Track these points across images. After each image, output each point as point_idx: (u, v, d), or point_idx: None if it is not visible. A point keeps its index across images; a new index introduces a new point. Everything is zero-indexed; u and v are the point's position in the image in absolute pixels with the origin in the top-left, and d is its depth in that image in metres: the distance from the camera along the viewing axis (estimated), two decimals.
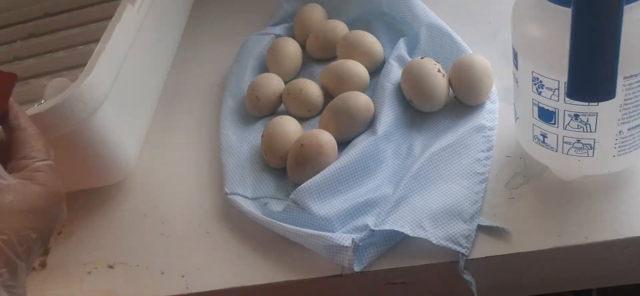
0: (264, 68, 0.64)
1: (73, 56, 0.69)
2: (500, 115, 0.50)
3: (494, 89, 0.52)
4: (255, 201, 0.50)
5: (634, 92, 0.35)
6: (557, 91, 0.37)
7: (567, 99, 0.36)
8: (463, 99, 0.51)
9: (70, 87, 0.48)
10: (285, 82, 0.60)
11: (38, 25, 0.78)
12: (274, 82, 0.59)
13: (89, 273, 0.50)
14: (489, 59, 0.52)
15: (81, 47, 0.70)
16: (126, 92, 0.56)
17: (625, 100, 0.35)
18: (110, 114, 0.52)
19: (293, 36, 0.67)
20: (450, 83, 0.52)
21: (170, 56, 0.72)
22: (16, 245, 0.29)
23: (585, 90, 0.32)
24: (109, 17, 0.72)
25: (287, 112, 0.57)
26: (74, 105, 0.47)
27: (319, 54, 0.64)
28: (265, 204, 0.49)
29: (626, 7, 0.32)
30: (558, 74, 0.35)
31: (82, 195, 0.56)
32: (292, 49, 0.63)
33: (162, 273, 0.48)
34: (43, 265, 0.52)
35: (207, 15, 0.80)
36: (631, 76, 0.34)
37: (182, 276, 0.47)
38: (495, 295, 0.44)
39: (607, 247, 0.39)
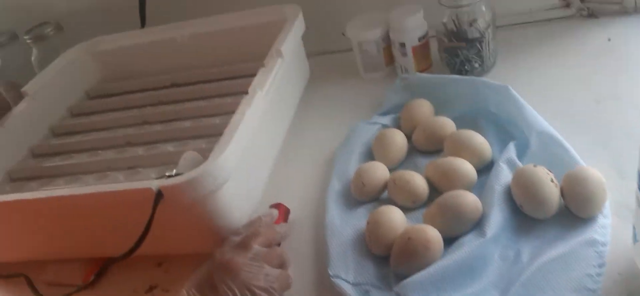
0: (370, 155, 0.68)
1: (198, 127, 0.76)
2: (613, 231, 0.50)
3: (607, 203, 0.51)
4: (357, 287, 0.52)
5: None
6: None
7: None
8: (575, 210, 0.51)
9: (206, 163, 0.54)
10: (390, 171, 0.63)
11: (166, 94, 0.88)
12: (379, 170, 0.62)
13: None
14: (600, 169, 0.52)
15: (205, 119, 0.78)
16: (248, 169, 0.62)
17: None
18: (233, 188, 0.57)
19: (399, 127, 0.71)
20: (562, 193, 0.52)
21: (284, 135, 0.78)
22: None
23: None
24: (230, 93, 0.81)
25: (390, 200, 0.60)
26: (206, 179, 0.53)
27: (425, 147, 0.67)
28: (367, 291, 0.51)
29: None
30: None
31: (192, 259, 0.61)
32: (398, 139, 0.66)
33: None
34: None
35: (317, 99, 0.87)
36: None
37: None
38: None
39: None
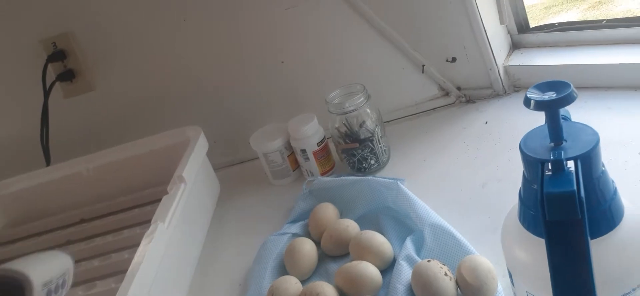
0: (282, 267, 0.69)
1: (107, 265, 0.74)
2: None
3: (499, 287, 0.55)
4: None
5: None
6: None
7: None
8: None
9: None
10: (303, 281, 0.64)
11: (75, 231, 0.85)
12: (292, 286, 0.63)
13: None
14: (493, 252, 0.56)
15: (114, 254, 0.76)
16: None
17: None
18: None
19: (308, 234, 0.72)
20: (457, 285, 0.55)
21: (196, 257, 0.77)
22: None
23: None
24: (139, 223, 0.79)
25: None
26: None
27: (333, 251, 0.69)
28: None
29: (596, 241, 0.36)
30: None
31: None
32: (307, 248, 0.68)
33: None
34: None
35: (231, 211, 0.87)
36: None
37: None
38: None
39: None
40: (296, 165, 0.89)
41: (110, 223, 0.83)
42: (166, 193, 0.72)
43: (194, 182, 0.77)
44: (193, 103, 0.98)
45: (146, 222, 0.72)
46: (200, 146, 0.83)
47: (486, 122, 0.86)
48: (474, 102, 0.92)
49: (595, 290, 0.34)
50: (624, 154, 0.67)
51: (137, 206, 0.85)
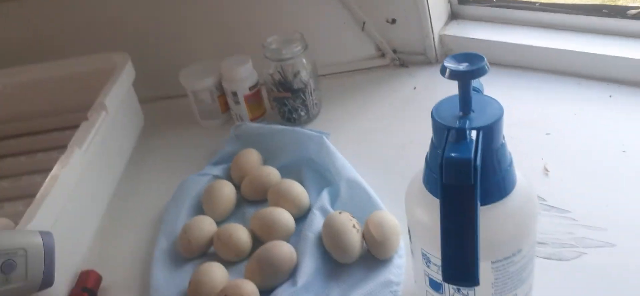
0: (199, 208, 0.69)
1: (16, 187, 0.71)
2: (407, 269, 0.56)
3: (402, 244, 0.58)
4: None
5: (502, 273, 0.42)
6: (441, 269, 0.42)
7: None
8: (374, 253, 0.57)
9: (11, 233, 0.51)
10: (219, 223, 0.65)
11: None
12: (206, 226, 0.63)
13: None
14: (402, 211, 0.58)
15: (25, 177, 0.73)
16: (65, 234, 0.59)
17: (495, 279, 0.42)
18: None
19: (229, 177, 0.72)
20: (364, 237, 0.58)
21: (111, 190, 0.76)
22: None
23: (455, 277, 0.38)
24: (55, 147, 0.76)
25: (216, 256, 0.61)
26: None
27: (252, 196, 0.69)
28: None
29: (488, 207, 0.39)
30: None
31: None
32: (226, 191, 0.68)
33: None
34: None
35: (154, 147, 0.85)
36: (497, 261, 0.41)
37: None
38: None
39: None
40: (226, 108, 0.88)
41: (24, 144, 0.80)
42: (86, 119, 0.69)
43: (116, 111, 0.75)
44: (123, 29, 0.94)
45: (62, 147, 0.70)
46: (127, 74, 0.80)
47: (415, 88, 0.88)
48: (407, 66, 0.94)
49: (479, 251, 0.37)
50: (531, 132, 0.71)
51: (54, 130, 0.82)
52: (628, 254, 0.53)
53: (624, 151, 0.65)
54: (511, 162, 0.41)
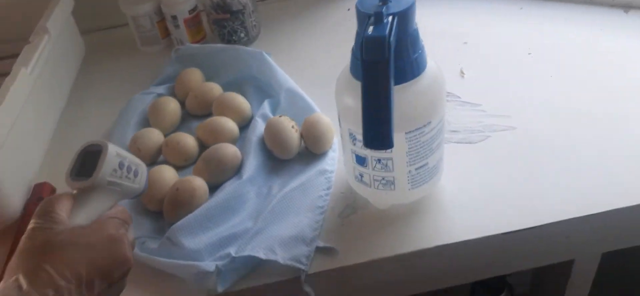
0: (146, 123, 0.72)
1: None
2: (340, 161, 0.63)
3: (335, 140, 0.64)
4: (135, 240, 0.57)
5: (415, 143, 0.49)
6: None
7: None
8: (311, 148, 0.63)
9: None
10: (165, 136, 0.69)
11: None
12: (154, 136, 0.67)
13: None
14: (333, 116, 0.65)
15: None
16: (16, 151, 0.61)
17: (409, 148, 0.49)
18: (1, 171, 0.57)
19: (174, 95, 0.76)
20: (302, 136, 0.64)
21: (58, 114, 0.78)
22: (64, 270, 0.36)
23: (374, 142, 0.45)
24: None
25: (166, 162, 0.66)
26: None
27: (197, 111, 0.74)
28: (143, 242, 0.56)
29: (402, 85, 0.46)
30: None
31: None
32: (172, 106, 0.72)
33: None
34: None
35: (95, 76, 0.87)
36: (410, 131, 0.48)
37: None
38: None
39: (407, 258, 0.52)
40: (166, 33, 0.90)
41: None
42: (28, 43, 0.70)
43: (57, 37, 0.76)
44: None
45: (4, 74, 0.71)
46: (66, 1, 0.81)
47: (348, 10, 0.93)
48: None
49: (392, 118, 0.43)
50: (451, 42, 0.78)
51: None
52: (525, 133, 0.61)
53: (529, 54, 0.74)
54: (423, 48, 0.48)
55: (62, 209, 0.40)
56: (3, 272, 0.46)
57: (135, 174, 0.46)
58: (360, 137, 0.49)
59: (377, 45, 0.42)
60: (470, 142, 0.61)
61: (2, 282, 0.37)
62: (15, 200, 0.61)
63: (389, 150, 0.49)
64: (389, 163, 0.50)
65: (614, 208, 0.52)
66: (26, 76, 0.65)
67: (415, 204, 0.55)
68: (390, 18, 0.44)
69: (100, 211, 0.43)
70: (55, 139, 0.75)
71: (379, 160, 0.50)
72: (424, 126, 0.48)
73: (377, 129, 0.44)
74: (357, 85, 0.47)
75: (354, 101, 0.49)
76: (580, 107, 0.64)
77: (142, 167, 0.48)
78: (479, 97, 0.67)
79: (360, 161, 0.52)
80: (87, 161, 0.43)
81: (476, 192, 0.56)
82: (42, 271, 0.36)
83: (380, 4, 0.46)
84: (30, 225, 0.39)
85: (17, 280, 0.36)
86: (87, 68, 0.89)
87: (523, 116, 0.64)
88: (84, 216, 0.42)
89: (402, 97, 0.46)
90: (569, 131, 0.61)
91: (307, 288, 0.51)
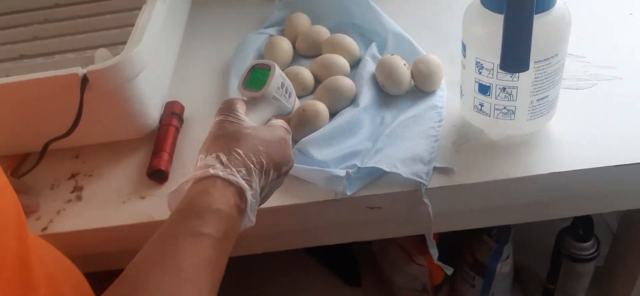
0: (262, 58, 0.78)
1: (94, 38, 0.79)
2: (448, 99, 0.67)
3: (443, 81, 0.68)
4: None
5: (541, 73, 0.52)
6: (492, 71, 0.53)
7: (498, 75, 0.52)
8: (421, 86, 0.67)
9: (125, 51, 0.59)
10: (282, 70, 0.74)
11: (51, 13, 0.87)
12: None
13: (124, 202, 0.60)
14: (441, 58, 0.69)
15: (99, 32, 0.80)
16: (157, 63, 0.68)
17: (535, 78, 0.53)
18: (147, 79, 0.64)
19: (284, 36, 0.81)
20: (412, 75, 0.68)
21: (179, 42, 0.84)
22: (251, 156, 0.44)
23: (512, 65, 0.49)
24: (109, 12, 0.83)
25: None
26: (127, 65, 0.59)
27: (306, 51, 0.79)
28: None
29: (537, 15, 0.49)
30: (493, 58, 0.52)
31: (110, 146, 0.67)
32: (285, 45, 0.77)
33: None
34: (79, 198, 0.62)
35: (203, 19, 0.93)
36: (539, 61, 0.51)
37: None
38: (444, 218, 0.59)
39: (520, 182, 0.55)
40: None
41: (82, 9, 0.86)
42: None
43: None
44: None
45: (136, 8, 0.77)
46: None
47: None
48: None
49: (531, 44, 0.47)
50: None
51: None
52: (633, 84, 0.64)
53: (631, 14, 0.76)
54: None
55: (241, 110, 0.48)
56: (152, 166, 0.53)
57: (289, 96, 0.54)
58: (487, 65, 0.53)
59: None
60: (578, 89, 0.64)
61: (201, 159, 0.44)
62: (154, 113, 0.67)
63: (516, 78, 0.52)
64: (514, 91, 0.54)
65: None
66: (162, 4, 0.72)
67: (528, 136, 0.59)
68: None
69: (264, 119, 0.51)
70: (178, 66, 0.81)
71: (504, 88, 0.54)
72: (552, 57, 0.52)
73: (516, 51, 0.48)
74: (490, 15, 0.51)
75: (484, 30, 0.53)
76: None
77: (293, 92, 0.55)
78: (583, 50, 0.70)
79: (484, 90, 0.55)
80: (255, 77, 0.51)
81: (585, 131, 0.59)
82: (235, 153, 0.44)
83: None
84: (218, 118, 0.47)
85: (218, 156, 0.43)
86: (194, 14, 0.95)
87: (629, 68, 0.66)
88: (253, 119, 0.49)
89: (536, 26, 0.50)
90: None
91: (426, 200, 0.55)
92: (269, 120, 0.51)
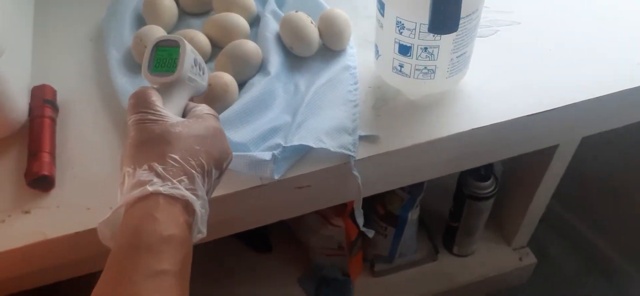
0: (141, 21, 0.68)
1: None
2: (359, 57, 0.64)
3: (351, 37, 0.66)
4: None
5: (462, 30, 0.52)
6: (414, 31, 0.52)
7: (420, 35, 0.51)
8: (330, 45, 0.64)
9: None
10: (168, 33, 0.66)
11: None
12: (160, 32, 0.64)
13: (3, 221, 0.50)
14: (346, 10, 0.66)
15: None
16: (10, 55, 0.55)
17: (457, 35, 0.52)
18: (3, 65, 0.52)
19: None
20: (320, 33, 0.64)
21: (31, 18, 0.70)
22: (189, 159, 0.38)
23: (442, 26, 0.47)
24: None
25: None
26: None
27: (194, 7, 0.71)
28: None
29: None
30: (416, 17, 0.50)
31: None
32: (167, 2, 0.68)
33: (88, 209, 0.51)
34: None
35: None
36: (462, 18, 0.51)
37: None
38: (369, 185, 0.58)
39: (443, 142, 0.56)
40: None
41: None
42: None
43: None
44: None
45: None
46: None
47: None
48: None
49: (461, 7, 0.46)
50: None
51: None
52: (530, 29, 0.67)
53: None
54: None
55: (159, 102, 0.41)
56: (32, 173, 0.45)
57: (204, 72, 0.47)
58: (409, 25, 0.52)
59: None
60: (481, 37, 0.66)
61: (129, 173, 0.37)
62: (21, 104, 0.56)
63: (438, 38, 0.51)
64: (435, 51, 0.53)
65: (611, 92, 0.59)
66: None
67: (444, 94, 0.59)
68: None
69: (181, 106, 0.44)
70: (36, 40, 0.68)
71: (426, 48, 0.53)
72: (473, 13, 0.51)
73: (447, 12, 0.46)
74: None
75: None
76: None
77: (206, 66, 0.48)
78: None
79: (404, 50, 0.54)
80: (160, 58, 0.44)
81: (494, 82, 0.61)
82: (170, 160, 0.37)
83: None
84: (135, 117, 0.39)
85: (151, 167, 0.36)
86: None
87: (525, 12, 0.69)
88: (170, 109, 0.42)
89: None
90: (564, 24, 0.68)
91: (355, 172, 0.54)
92: (186, 105, 0.45)
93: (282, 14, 0.66)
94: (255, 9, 0.69)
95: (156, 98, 0.41)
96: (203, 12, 0.71)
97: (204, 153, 0.39)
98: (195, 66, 0.45)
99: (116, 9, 0.68)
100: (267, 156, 0.51)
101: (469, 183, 0.81)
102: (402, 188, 0.81)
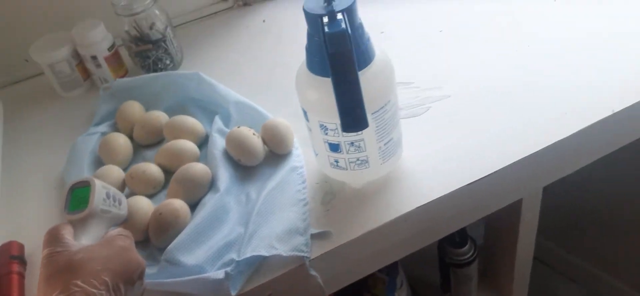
0: (99, 163, 0.75)
1: None
2: (304, 156, 0.70)
3: (295, 139, 0.72)
4: None
5: (380, 121, 0.58)
6: (336, 130, 0.58)
7: (342, 134, 0.57)
8: (275, 150, 0.70)
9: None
10: (124, 170, 0.72)
11: None
12: (115, 172, 0.70)
13: None
14: (287, 117, 0.72)
15: None
16: None
17: (377, 127, 0.58)
18: None
19: (117, 131, 0.79)
20: (264, 142, 0.70)
21: None
22: (91, 280, 0.42)
23: (352, 126, 0.53)
24: None
25: (133, 195, 0.69)
26: None
27: (146, 140, 0.77)
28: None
29: (361, 72, 0.54)
30: (335, 119, 0.56)
31: None
32: (121, 140, 0.75)
33: None
34: None
35: (21, 131, 0.86)
36: (375, 112, 0.57)
37: None
38: (336, 282, 0.62)
39: (393, 224, 0.61)
40: (87, 75, 0.92)
41: None
42: None
43: None
44: None
45: None
46: None
47: (263, 21, 1.01)
48: (250, 5, 1.07)
49: (363, 102, 0.52)
50: (372, 32, 0.89)
51: None
52: (459, 99, 0.74)
53: (440, 31, 0.87)
54: (369, 37, 0.57)
55: (68, 235, 0.47)
56: None
57: (119, 203, 0.56)
58: (331, 127, 0.58)
59: (340, 39, 0.49)
60: (415, 116, 0.73)
61: None
62: None
63: (360, 132, 0.58)
64: (361, 143, 0.59)
65: (549, 144, 0.65)
66: None
67: (386, 178, 0.65)
68: (340, 14, 0.52)
69: (99, 236, 0.51)
70: (1, 195, 0.74)
71: (352, 143, 0.59)
72: (386, 104, 0.58)
73: (352, 114, 0.52)
74: (318, 80, 0.56)
75: (318, 95, 0.57)
76: (496, 66, 0.78)
77: (123, 196, 0.57)
78: (409, 76, 0.79)
79: (334, 148, 0.60)
80: (76, 197, 0.52)
81: (436, 156, 0.66)
82: (74, 287, 0.42)
83: (326, 4, 0.53)
84: (45, 253, 0.46)
85: None
86: (11, 124, 0.88)
87: (452, 84, 0.76)
88: (88, 240, 0.49)
89: (364, 82, 0.54)
90: (495, 87, 0.74)
91: (313, 272, 0.58)
92: (105, 234, 0.51)
93: (228, 131, 0.73)
94: (203, 131, 0.76)
95: (66, 232, 0.47)
96: (156, 143, 0.78)
97: (107, 272, 0.44)
98: (109, 198, 0.53)
99: (74, 155, 0.75)
100: (220, 274, 0.56)
101: (448, 251, 0.84)
102: (380, 271, 0.85)
